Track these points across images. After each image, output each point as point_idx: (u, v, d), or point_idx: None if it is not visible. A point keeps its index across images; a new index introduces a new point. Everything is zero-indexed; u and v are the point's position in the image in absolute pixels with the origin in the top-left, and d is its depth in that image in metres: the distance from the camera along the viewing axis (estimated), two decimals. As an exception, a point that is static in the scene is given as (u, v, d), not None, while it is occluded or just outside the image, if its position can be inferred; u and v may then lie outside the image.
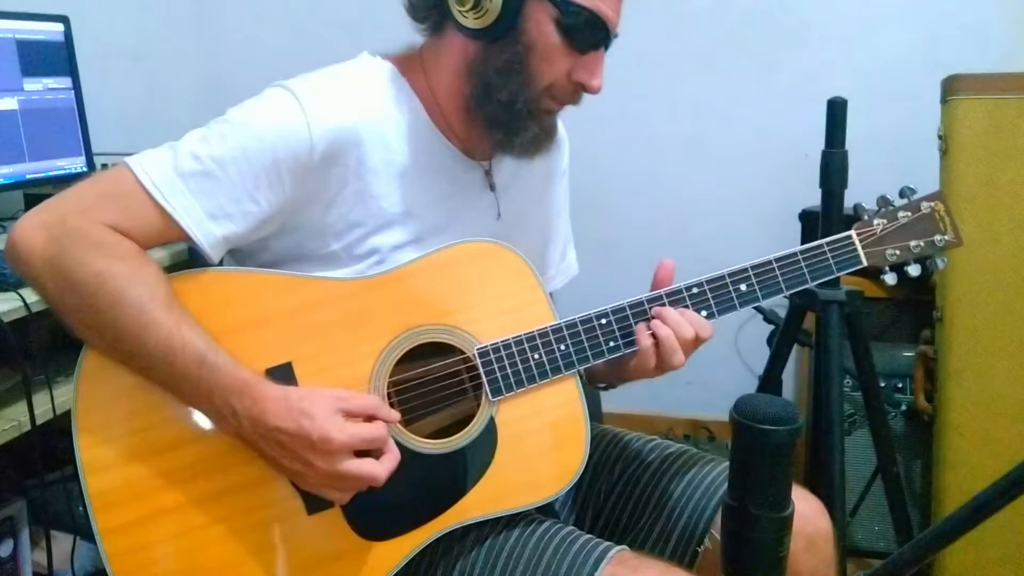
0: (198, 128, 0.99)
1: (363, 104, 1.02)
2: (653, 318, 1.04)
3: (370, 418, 0.92)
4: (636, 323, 1.04)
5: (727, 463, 1.10)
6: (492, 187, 1.14)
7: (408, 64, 1.09)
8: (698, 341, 1.03)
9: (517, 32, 0.99)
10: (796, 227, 1.96)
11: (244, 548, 0.94)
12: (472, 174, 1.12)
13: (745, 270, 1.07)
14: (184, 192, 0.94)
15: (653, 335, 1.02)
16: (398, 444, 0.95)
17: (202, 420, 0.94)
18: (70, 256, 0.90)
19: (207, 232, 0.95)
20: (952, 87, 1.71)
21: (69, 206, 0.94)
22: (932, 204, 1.11)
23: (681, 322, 1.02)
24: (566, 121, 1.26)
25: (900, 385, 1.96)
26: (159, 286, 0.92)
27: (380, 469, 0.90)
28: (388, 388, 1.00)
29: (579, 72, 1.02)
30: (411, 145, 1.05)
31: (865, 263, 1.10)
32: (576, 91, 1.05)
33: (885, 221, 1.11)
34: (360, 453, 0.90)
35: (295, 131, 0.96)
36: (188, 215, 0.94)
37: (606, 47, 1.04)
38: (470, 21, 0.99)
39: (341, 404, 0.90)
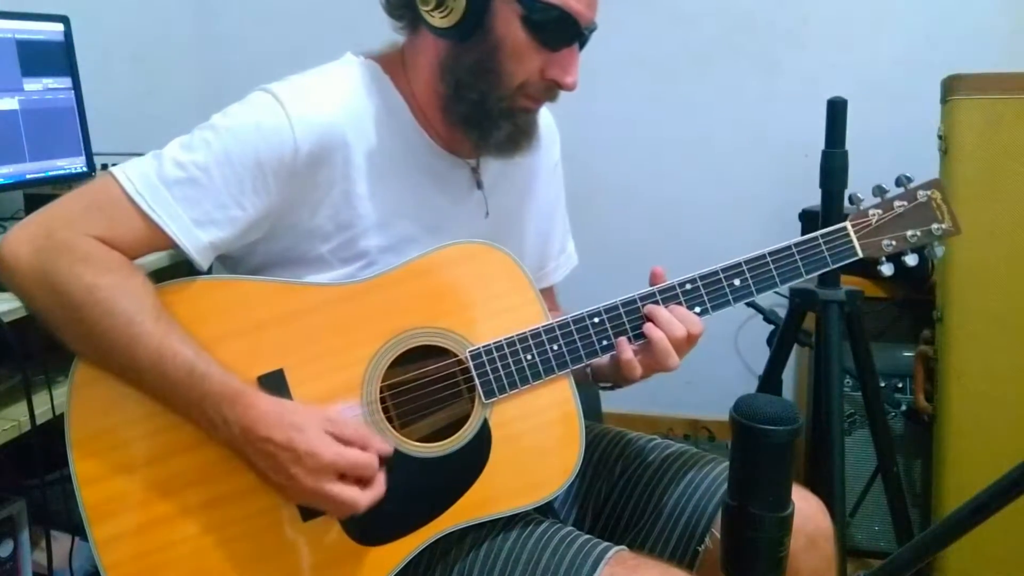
0: (182, 135, 0.98)
1: (347, 104, 1.02)
2: (645, 318, 1.03)
3: (362, 448, 0.91)
4: (629, 321, 1.04)
5: (727, 463, 1.10)
6: (479, 185, 1.13)
7: (391, 63, 1.08)
8: (691, 339, 1.02)
9: (484, 30, 0.98)
10: (796, 227, 1.96)
11: (240, 556, 0.94)
12: (459, 172, 1.11)
13: (739, 264, 1.06)
14: (169, 200, 0.94)
15: (644, 336, 1.02)
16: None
17: (195, 429, 0.93)
18: (58, 269, 0.90)
19: (194, 239, 0.95)
20: (952, 87, 1.71)
21: (55, 219, 0.94)
22: (929, 192, 1.10)
23: (672, 320, 1.01)
24: (566, 120, 1.26)
25: (900, 385, 1.96)
26: (147, 298, 0.92)
27: (362, 498, 0.89)
28: (381, 392, 0.99)
29: (552, 69, 1.01)
30: (396, 145, 1.05)
31: (861, 254, 1.08)
32: (551, 88, 1.03)
33: (881, 211, 1.09)
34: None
35: (278, 133, 0.96)
36: (174, 223, 0.94)
37: (581, 44, 1.02)
38: (437, 20, 0.99)
39: (331, 427, 0.90)
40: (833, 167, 1.55)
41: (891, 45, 2.09)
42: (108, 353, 0.91)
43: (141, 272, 0.94)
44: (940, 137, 1.73)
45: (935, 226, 1.09)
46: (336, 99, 1.01)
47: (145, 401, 0.93)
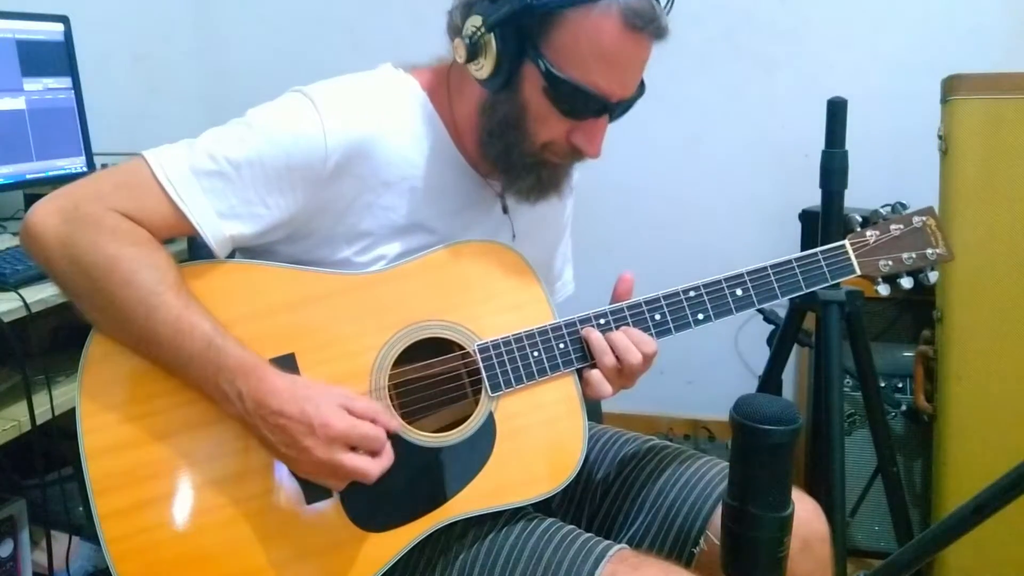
0: (216, 127, 1.00)
1: (382, 117, 1.03)
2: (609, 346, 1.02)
3: (372, 422, 0.92)
4: (635, 324, 1.04)
5: (724, 463, 1.11)
6: (505, 209, 1.13)
7: (432, 79, 1.08)
8: (647, 360, 1.02)
9: (512, 90, 0.99)
10: (796, 227, 1.96)
11: (242, 535, 0.94)
12: (486, 193, 1.12)
13: (741, 275, 1.08)
14: (197, 190, 0.96)
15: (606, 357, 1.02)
16: (397, 437, 0.96)
17: (204, 407, 0.94)
18: (83, 239, 0.92)
19: (215, 230, 0.97)
20: (952, 87, 1.71)
21: (84, 193, 0.96)
22: (924, 219, 1.14)
23: (629, 347, 1.01)
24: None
25: (900, 385, 1.97)
26: (169, 271, 0.93)
27: (373, 466, 0.90)
28: (388, 382, 1.00)
29: (576, 136, 1.01)
30: (429, 161, 1.06)
31: (859, 272, 1.11)
32: (576, 152, 1.03)
33: (878, 232, 1.13)
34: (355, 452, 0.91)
35: (311, 140, 0.97)
36: (198, 212, 0.96)
37: (610, 116, 1.01)
38: (472, 71, 1.00)
39: (345, 401, 0.91)
40: (833, 167, 1.55)
41: (891, 45, 2.09)
42: (126, 323, 0.92)
43: (164, 249, 0.96)
44: (940, 137, 1.73)
45: (930, 251, 1.13)
46: (371, 112, 1.02)
47: (156, 379, 0.94)
